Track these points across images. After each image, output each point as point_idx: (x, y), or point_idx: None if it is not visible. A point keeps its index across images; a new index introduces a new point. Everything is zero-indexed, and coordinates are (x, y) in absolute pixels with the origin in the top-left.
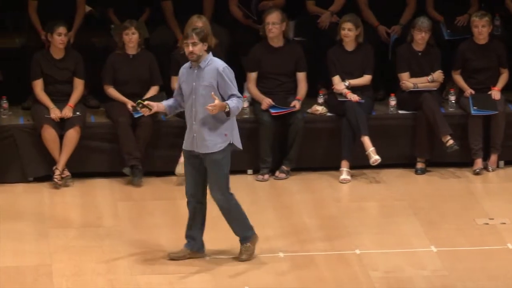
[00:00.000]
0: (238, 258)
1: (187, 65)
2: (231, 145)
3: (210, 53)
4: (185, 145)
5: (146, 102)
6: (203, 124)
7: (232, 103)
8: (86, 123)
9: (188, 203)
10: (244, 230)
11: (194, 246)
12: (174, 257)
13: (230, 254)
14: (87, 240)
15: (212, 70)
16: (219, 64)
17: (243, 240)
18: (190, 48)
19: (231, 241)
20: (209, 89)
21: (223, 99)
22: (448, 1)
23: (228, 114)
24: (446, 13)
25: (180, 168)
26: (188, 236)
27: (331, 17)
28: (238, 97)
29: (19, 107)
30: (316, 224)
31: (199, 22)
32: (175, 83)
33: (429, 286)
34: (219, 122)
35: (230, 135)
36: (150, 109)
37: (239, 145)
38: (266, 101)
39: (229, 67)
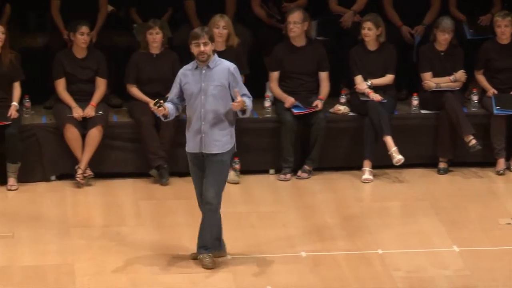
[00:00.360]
0: (206, 266)
1: (188, 67)
2: (233, 147)
3: (215, 53)
4: (190, 148)
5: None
6: (214, 124)
7: (248, 101)
8: (108, 122)
9: (200, 206)
10: (215, 239)
11: (220, 247)
12: (196, 257)
13: (253, 254)
14: (109, 239)
15: (223, 69)
16: (229, 64)
17: (209, 249)
18: (202, 48)
19: (253, 240)
20: (220, 89)
21: (232, 99)
22: (471, 1)
23: (244, 112)
24: (468, 13)
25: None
26: (202, 246)
27: (353, 16)
28: (249, 97)
29: (42, 107)
30: (338, 224)
31: (221, 22)
32: None
33: (451, 286)
34: (227, 122)
35: (233, 137)
36: (165, 109)
37: (235, 147)
38: (289, 100)
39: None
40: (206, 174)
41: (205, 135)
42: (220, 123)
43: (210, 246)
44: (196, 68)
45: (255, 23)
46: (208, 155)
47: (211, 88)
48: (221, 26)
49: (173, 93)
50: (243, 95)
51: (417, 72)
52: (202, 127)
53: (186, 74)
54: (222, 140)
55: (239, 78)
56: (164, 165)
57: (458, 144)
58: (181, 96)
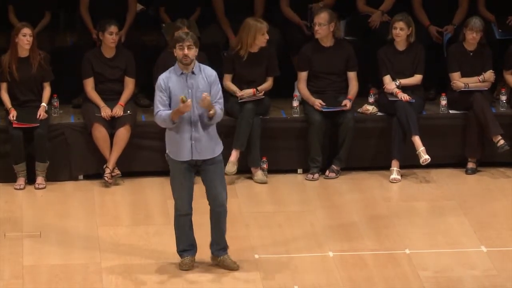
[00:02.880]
0: (230, 267)
1: (171, 73)
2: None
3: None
4: (180, 156)
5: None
6: (204, 130)
7: (219, 111)
8: (136, 122)
9: (188, 215)
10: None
11: (194, 252)
12: (185, 268)
13: (280, 253)
14: (136, 238)
15: (208, 76)
16: (212, 70)
17: (226, 250)
18: (186, 51)
19: (281, 239)
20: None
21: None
22: (500, 0)
23: (211, 119)
24: (497, 12)
25: (230, 167)
26: (189, 245)
27: (381, 16)
28: (221, 108)
29: (70, 106)
30: (366, 224)
31: (265, 27)
32: (227, 80)
33: (479, 286)
34: (213, 126)
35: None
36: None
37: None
38: (317, 103)
39: None
40: (208, 178)
41: (196, 142)
42: (209, 128)
43: (227, 246)
44: (181, 74)
45: (283, 23)
46: (204, 161)
47: (199, 94)
48: (266, 31)
49: (164, 100)
50: (215, 103)
51: (446, 72)
52: (193, 134)
53: (172, 81)
54: (214, 144)
55: (219, 86)
56: None
57: (486, 144)
58: (167, 103)
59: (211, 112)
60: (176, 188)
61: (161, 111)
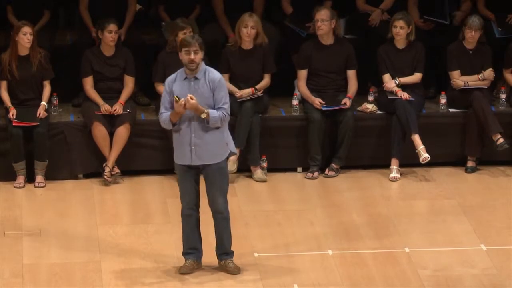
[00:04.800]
0: (231, 271)
1: (177, 77)
2: (230, 153)
3: (203, 62)
4: (180, 160)
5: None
6: (204, 135)
7: (215, 113)
8: (136, 120)
9: (189, 216)
10: (230, 244)
11: (199, 256)
12: (183, 272)
13: (279, 252)
14: (136, 237)
15: (212, 80)
16: (217, 74)
17: (230, 254)
18: (192, 56)
19: (280, 238)
20: (210, 101)
21: (214, 108)
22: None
23: (207, 122)
24: (497, 11)
25: (230, 166)
26: (191, 248)
27: (381, 14)
28: (224, 112)
29: (70, 104)
30: (365, 222)
31: (250, 21)
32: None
33: (479, 284)
34: (219, 131)
35: (230, 142)
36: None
37: (234, 149)
38: (317, 102)
39: None
40: (208, 183)
41: (196, 147)
42: (211, 134)
43: (230, 251)
44: (185, 78)
45: (283, 20)
46: (205, 166)
47: (200, 100)
48: (250, 26)
49: (167, 103)
50: (218, 108)
51: (445, 70)
52: (193, 140)
53: (177, 85)
54: (217, 150)
55: (225, 91)
56: None
57: (485, 142)
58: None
59: (202, 115)
60: (180, 188)
61: (164, 113)
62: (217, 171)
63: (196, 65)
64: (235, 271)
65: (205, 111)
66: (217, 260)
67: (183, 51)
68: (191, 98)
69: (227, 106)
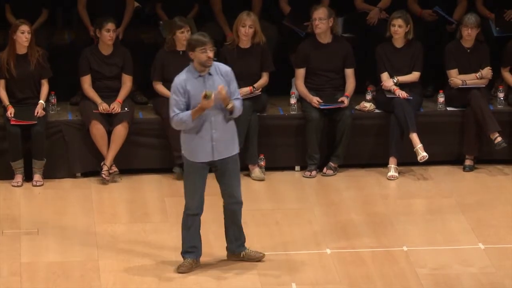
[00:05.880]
0: (257, 257)
1: (185, 76)
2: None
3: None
4: (199, 157)
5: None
6: (224, 129)
7: (237, 103)
8: (134, 119)
9: (196, 215)
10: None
11: (198, 254)
12: (182, 271)
13: (278, 251)
14: (134, 235)
15: (224, 74)
16: (226, 67)
17: (244, 243)
18: (210, 54)
19: (278, 237)
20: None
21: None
22: None
23: (231, 112)
24: (496, 10)
25: None
26: (192, 247)
27: (379, 13)
28: (240, 100)
29: (68, 103)
30: (364, 221)
31: (248, 20)
32: None
33: (477, 283)
34: (231, 123)
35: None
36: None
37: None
38: (315, 100)
39: None
40: (226, 176)
41: (217, 143)
42: (228, 127)
43: (244, 241)
44: (199, 76)
45: (281, 19)
46: (222, 160)
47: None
48: (248, 25)
49: (181, 104)
50: (235, 99)
51: (444, 69)
52: (214, 135)
53: (188, 83)
54: (234, 142)
55: (236, 83)
56: None
57: (483, 141)
58: (185, 107)
59: (229, 106)
60: (189, 188)
61: (179, 113)
62: (234, 163)
63: (211, 62)
64: (260, 255)
65: (231, 101)
66: (230, 255)
67: (197, 51)
68: (223, 87)
69: (239, 94)
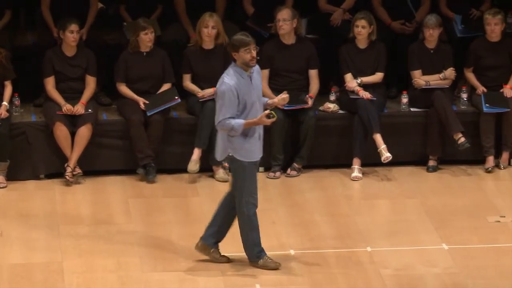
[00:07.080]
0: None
1: (234, 77)
2: None
3: None
4: (253, 157)
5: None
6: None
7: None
8: (98, 121)
9: (255, 210)
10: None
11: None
12: (278, 266)
13: (241, 252)
14: (98, 237)
15: (258, 71)
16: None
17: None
18: (254, 54)
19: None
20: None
21: None
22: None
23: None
24: (459, 11)
25: (192, 165)
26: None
27: (343, 14)
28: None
29: (31, 105)
30: (327, 222)
31: (211, 21)
32: (186, 80)
33: (440, 283)
34: None
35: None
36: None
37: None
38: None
39: None
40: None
41: (261, 141)
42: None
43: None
44: (246, 76)
45: (244, 20)
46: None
47: (260, 93)
48: (210, 26)
49: (235, 107)
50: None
51: (407, 69)
52: (260, 133)
53: (244, 84)
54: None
55: None
56: (151, 164)
57: (447, 142)
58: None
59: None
60: (250, 187)
61: (230, 119)
62: None
63: (255, 62)
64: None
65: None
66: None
67: (241, 51)
68: (287, 97)
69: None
